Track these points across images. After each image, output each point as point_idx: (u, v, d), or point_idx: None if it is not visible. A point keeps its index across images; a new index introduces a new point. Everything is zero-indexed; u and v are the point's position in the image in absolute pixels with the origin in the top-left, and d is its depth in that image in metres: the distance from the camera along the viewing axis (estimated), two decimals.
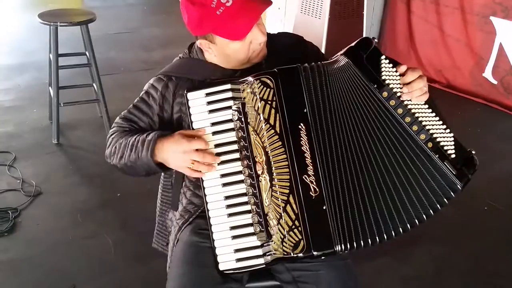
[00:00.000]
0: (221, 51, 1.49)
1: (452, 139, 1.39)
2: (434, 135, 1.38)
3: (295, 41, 1.66)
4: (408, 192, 1.38)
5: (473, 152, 1.41)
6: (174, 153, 1.41)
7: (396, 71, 1.38)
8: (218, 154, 1.42)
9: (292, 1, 4.84)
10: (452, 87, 4.54)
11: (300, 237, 1.35)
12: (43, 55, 3.97)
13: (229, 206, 1.41)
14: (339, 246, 1.36)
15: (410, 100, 1.38)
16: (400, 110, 1.37)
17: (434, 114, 1.39)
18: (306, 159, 1.35)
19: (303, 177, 1.35)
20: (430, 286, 2.44)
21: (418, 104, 1.39)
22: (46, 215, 2.82)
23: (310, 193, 1.35)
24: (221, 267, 1.41)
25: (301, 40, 1.66)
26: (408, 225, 1.37)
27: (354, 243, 1.36)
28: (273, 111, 1.36)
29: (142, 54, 5.20)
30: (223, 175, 1.42)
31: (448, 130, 1.39)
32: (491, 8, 4.13)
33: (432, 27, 4.63)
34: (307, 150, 1.35)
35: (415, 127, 1.37)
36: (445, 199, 1.38)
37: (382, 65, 1.38)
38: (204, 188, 1.43)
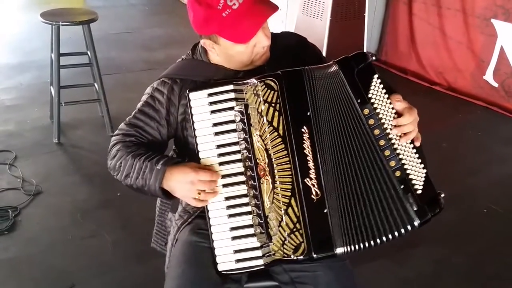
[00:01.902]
0: (224, 52, 1.49)
1: (424, 175, 1.38)
2: (405, 166, 1.37)
3: (297, 42, 1.65)
4: (373, 210, 1.37)
5: (442, 195, 1.39)
6: (181, 183, 1.41)
7: (386, 94, 1.37)
8: (220, 155, 1.42)
9: (293, 2, 4.84)
10: (453, 90, 4.54)
11: (301, 239, 1.35)
12: (45, 54, 3.97)
13: (229, 207, 1.42)
14: (339, 249, 1.36)
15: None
16: (377, 131, 1.36)
17: (412, 146, 1.38)
18: (309, 162, 1.35)
19: (305, 180, 1.35)
20: None
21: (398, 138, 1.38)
22: (46, 214, 2.82)
23: (312, 196, 1.35)
24: (220, 267, 1.42)
25: (304, 41, 1.66)
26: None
27: (355, 245, 1.36)
28: (276, 113, 1.36)
29: (144, 54, 5.20)
30: (224, 176, 1.42)
31: (422, 166, 1.38)
32: (493, 10, 4.13)
33: (433, 29, 4.63)
34: (309, 153, 1.35)
35: (387, 152, 1.36)
36: (402, 230, 1.37)
37: (373, 84, 1.37)
38: None
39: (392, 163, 1.36)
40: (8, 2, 6.76)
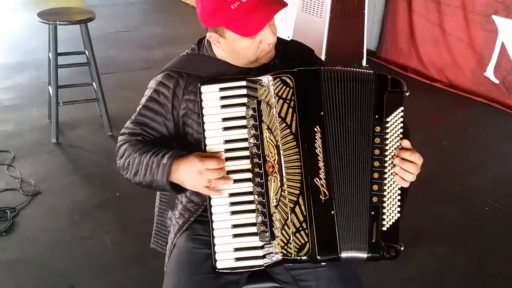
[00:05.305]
0: (230, 47, 1.47)
1: (396, 218, 1.36)
2: (384, 199, 1.36)
3: (307, 49, 1.66)
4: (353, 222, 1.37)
5: (402, 248, 1.37)
6: (189, 175, 1.39)
7: (401, 129, 1.37)
8: (227, 151, 1.40)
9: None
10: (454, 87, 4.52)
11: (306, 239, 1.33)
12: (43, 54, 3.95)
13: (233, 204, 1.39)
14: (344, 253, 1.34)
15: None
16: (377, 151, 1.36)
17: (398, 187, 1.37)
18: (319, 162, 1.33)
19: (315, 180, 1.33)
20: (431, 287, 2.42)
21: (392, 170, 1.37)
22: (44, 215, 2.80)
23: (320, 196, 1.33)
24: (219, 265, 1.39)
25: (311, 51, 1.67)
26: None
27: (360, 251, 1.35)
28: (290, 110, 1.34)
29: (142, 53, 5.18)
30: (229, 172, 1.40)
31: (398, 209, 1.37)
32: (493, 6, 4.11)
33: (433, 26, 4.61)
34: (320, 153, 1.33)
35: (376, 175, 1.36)
36: (356, 253, 1.35)
37: (396, 112, 1.37)
38: None
39: (375, 187, 1.36)
40: (5, 2, 6.73)
